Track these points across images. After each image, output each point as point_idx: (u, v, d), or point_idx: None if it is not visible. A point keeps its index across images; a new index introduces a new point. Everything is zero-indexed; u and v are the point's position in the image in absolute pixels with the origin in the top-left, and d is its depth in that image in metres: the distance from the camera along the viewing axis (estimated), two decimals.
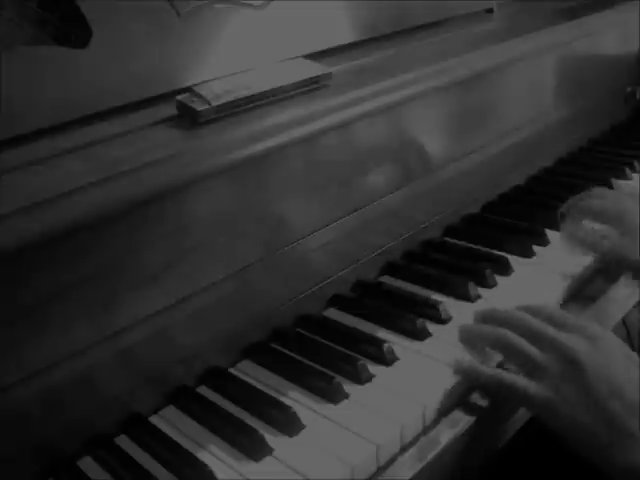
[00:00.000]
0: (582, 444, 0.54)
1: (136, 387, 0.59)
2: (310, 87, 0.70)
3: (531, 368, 0.57)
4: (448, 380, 0.60)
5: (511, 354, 0.59)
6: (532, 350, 0.57)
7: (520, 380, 0.56)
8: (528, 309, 0.62)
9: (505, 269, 0.77)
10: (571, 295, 0.75)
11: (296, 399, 0.60)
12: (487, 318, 0.64)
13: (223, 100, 0.64)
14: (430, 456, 0.55)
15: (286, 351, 0.67)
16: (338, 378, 0.61)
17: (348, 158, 0.73)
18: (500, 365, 0.62)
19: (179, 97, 0.64)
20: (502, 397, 0.59)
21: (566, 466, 0.79)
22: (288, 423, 0.57)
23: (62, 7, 0.61)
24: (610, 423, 0.51)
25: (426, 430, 0.58)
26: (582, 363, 0.54)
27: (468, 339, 0.63)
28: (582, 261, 0.77)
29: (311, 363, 0.65)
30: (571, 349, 0.55)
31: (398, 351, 0.65)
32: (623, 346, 0.57)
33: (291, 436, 0.56)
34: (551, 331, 0.58)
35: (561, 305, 0.73)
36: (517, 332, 0.59)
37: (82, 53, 0.61)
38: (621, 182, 0.98)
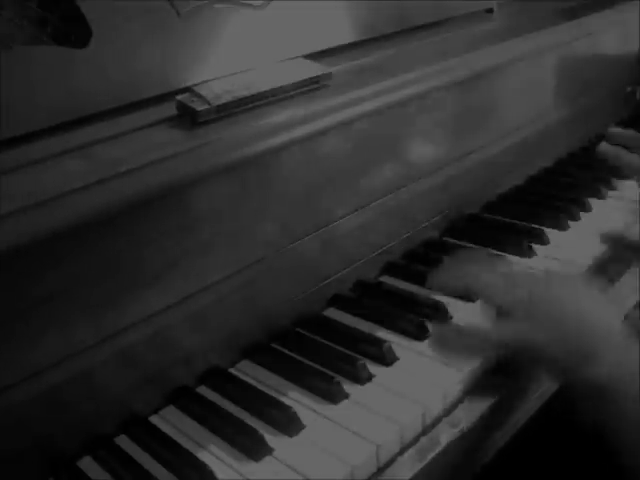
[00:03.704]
0: (548, 370, 0.59)
1: (136, 387, 0.59)
2: (310, 87, 0.70)
3: (496, 306, 0.60)
4: (448, 380, 0.60)
5: (480, 291, 0.62)
6: (498, 291, 0.60)
7: (486, 328, 0.60)
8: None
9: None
10: None
11: (296, 399, 0.60)
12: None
13: (223, 100, 0.64)
14: (430, 456, 0.55)
15: (286, 351, 0.67)
16: (338, 378, 0.61)
17: (348, 158, 0.73)
18: None
19: (179, 97, 0.64)
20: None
21: (566, 466, 0.79)
22: (288, 423, 0.57)
23: (62, 7, 0.61)
24: (566, 343, 0.55)
25: (426, 430, 0.58)
26: (537, 297, 0.58)
27: (439, 279, 0.65)
28: (583, 262, 0.77)
29: (311, 363, 0.65)
30: (523, 287, 0.59)
31: (398, 351, 0.65)
32: (574, 277, 0.62)
33: (291, 436, 0.56)
34: (511, 280, 0.61)
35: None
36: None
37: (82, 53, 0.61)
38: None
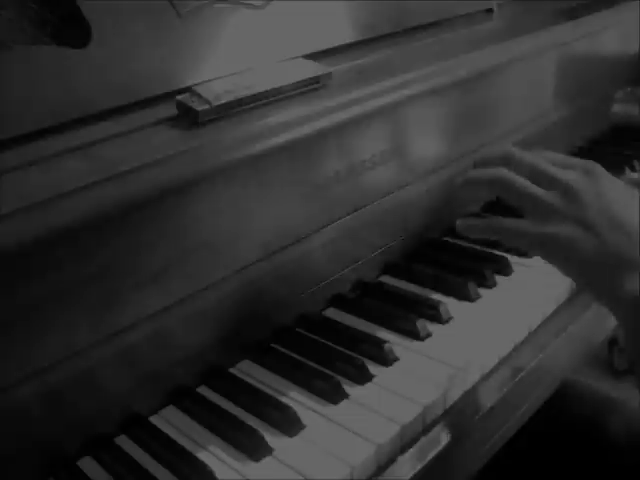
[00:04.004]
0: (588, 280, 0.54)
1: (136, 387, 0.59)
2: (310, 87, 0.70)
3: (535, 208, 0.55)
4: (448, 380, 0.60)
5: (513, 194, 0.57)
6: (534, 188, 0.56)
7: (519, 224, 0.56)
8: (511, 151, 0.60)
9: (505, 269, 0.77)
10: (577, 291, 0.74)
11: (296, 399, 0.60)
12: (485, 160, 0.61)
13: (223, 100, 0.64)
14: (430, 456, 0.55)
15: (286, 351, 0.67)
16: (338, 378, 0.61)
17: (348, 158, 0.73)
18: None
19: (179, 97, 0.64)
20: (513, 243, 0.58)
21: (566, 466, 0.79)
22: (288, 423, 0.57)
23: (62, 7, 0.61)
24: (611, 254, 0.51)
25: (426, 430, 0.58)
26: (582, 197, 0.54)
27: (466, 187, 0.61)
28: None
29: (311, 363, 0.65)
30: (571, 185, 0.55)
31: (398, 351, 0.65)
32: (619, 181, 0.56)
33: (291, 436, 0.56)
34: (552, 169, 0.56)
35: (567, 301, 0.72)
36: (517, 172, 0.57)
37: (82, 53, 0.61)
38: None
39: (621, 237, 0.52)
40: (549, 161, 0.58)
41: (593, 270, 0.53)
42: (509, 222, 0.56)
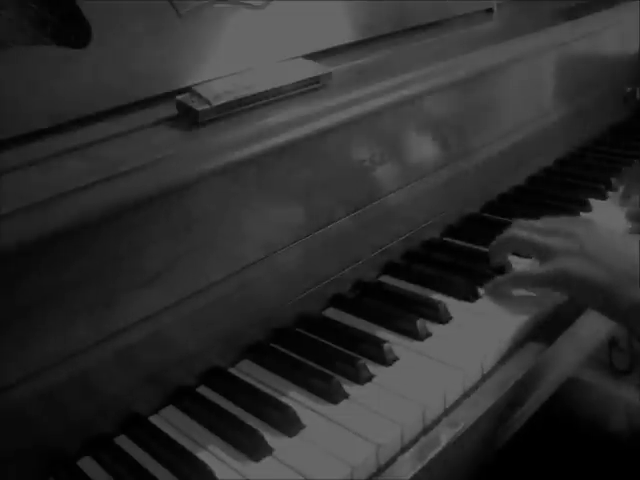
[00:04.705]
0: (594, 300, 0.65)
1: (136, 387, 0.59)
2: (310, 87, 0.70)
3: (542, 253, 0.68)
4: (448, 380, 0.60)
5: (523, 247, 0.72)
6: (541, 238, 0.69)
7: (535, 269, 0.69)
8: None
9: (505, 269, 0.77)
10: None
11: (296, 399, 0.60)
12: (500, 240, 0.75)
13: (223, 100, 0.64)
14: (430, 456, 0.55)
15: (286, 351, 0.67)
16: (338, 378, 0.61)
17: (348, 158, 0.73)
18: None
19: (179, 97, 0.64)
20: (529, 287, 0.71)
21: (566, 466, 0.79)
22: (288, 423, 0.57)
23: (62, 7, 0.61)
24: (608, 270, 0.62)
25: (426, 430, 0.58)
26: (579, 235, 0.67)
27: (492, 254, 0.75)
28: None
29: (311, 363, 0.65)
30: (570, 230, 0.68)
31: (398, 351, 0.65)
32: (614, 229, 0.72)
33: (291, 436, 0.56)
34: (554, 225, 0.71)
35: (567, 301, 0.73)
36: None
37: (82, 53, 0.61)
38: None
39: (622, 261, 0.63)
40: (550, 221, 0.72)
41: (604, 293, 0.63)
42: (528, 272, 0.71)
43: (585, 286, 0.64)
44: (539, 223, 0.73)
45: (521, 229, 0.73)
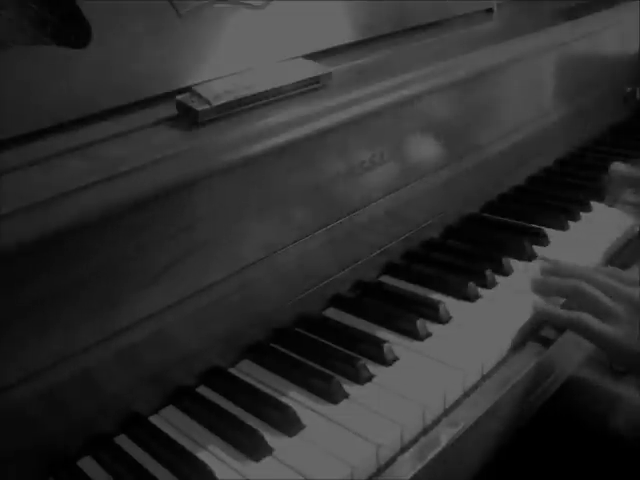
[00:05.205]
0: (627, 363, 0.68)
1: (136, 387, 0.59)
2: (310, 87, 0.70)
3: (604, 314, 0.67)
4: (448, 380, 0.60)
5: (587, 303, 0.69)
6: (607, 300, 0.68)
7: (595, 322, 0.66)
8: (584, 269, 0.74)
9: (505, 269, 0.77)
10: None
11: (296, 399, 0.60)
12: (555, 271, 0.74)
13: (223, 100, 0.64)
14: (430, 456, 0.55)
15: (286, 351, 0.67)
16: (338, 378, 0.61)
17: (348, 158, 0.73)
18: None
19: (179, 97, 0.64)
20: (577, 333, 0.68)
21: (566, 466, 0.79)
22: (288, 423, 0.57)
23: (62, 7, 0.61)
24: None
25: (426, 430, 0.58)
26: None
27: (542, 290, 0.73)
28: (586, 263, 0.77)
29: (311, 363, 0.65)
30: (637, 300, 0.67)
31: (398, 351, 0.65)
32: None
33: (291, 436, 0.56)
34: (619, 285, 0.69)
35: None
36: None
37: (82, 53, 0.61)
38: None
39: None
40: (617, 277, 0.71)
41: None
42: (591, 321, 0.68)
43: (632, 359, 0.65)
44: (604, 277, 0.71)
45: (588, 280, 0.71)
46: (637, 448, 0.77)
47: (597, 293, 0.68)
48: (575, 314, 0.68)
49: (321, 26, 0.79)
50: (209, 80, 0.67)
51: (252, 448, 0.55)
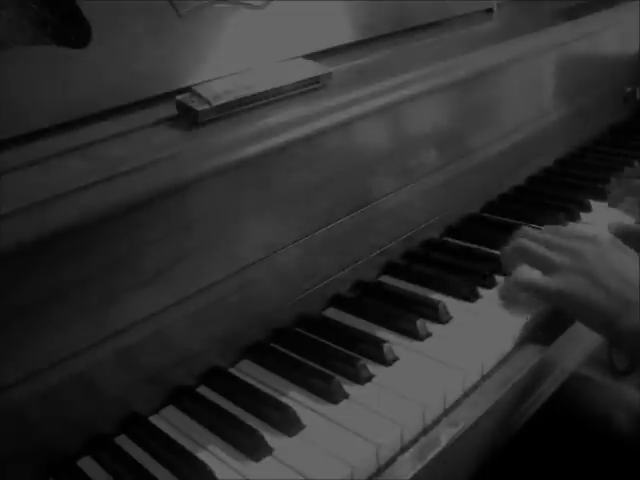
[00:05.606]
0: (593, 321, 0.65)
1: (136, 387, 0.59)
2: (310, 87, 0.70)
3: (549, 267, 0.68)
4: (448, 380, 0.60)
5: (532, 259, 0.70)
6: (549, 253, 0.69)
7: (539, 278, 0.68)
8: (528, 229, 0.76)
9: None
10: None
11: (296, 399, 0.60)
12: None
13: (223, 100, 0.64)
14: (430, 456, 0.55)
15: (286, 351, 0.67)
16: (338, 378, 0.61)
17: (348, 158, 0.73)
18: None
19: (179, 97, 0.64)
20: (528, 293, 0.70)
21: (566, 465, 0.79)
22: (288, 423, 0.57)
23: (62, 7, 0.61)
24: (611, 295, 0.63)
25: (426, 430, 0.58)
26: (586, 256, 0.67)
27: (505, 263, 0.75)
28: None
29: (311, 363, 0.65)
30: (578, 249, 0.68)
31: (398, 351, 0.65)
32: (616, 241, 0.70)
33: (291, 436, 0.56)
34: (562, 240, 0.71)
35: None
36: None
37: (82, 53, 0.61)
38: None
39: (625, 287, 0.63)
40: (560, 234, 0.72)
41: (602, 315, 0.63)
42: (534, 281, 0.69)
43: (585, 308, 0.64)
44: (548, 234, 0.72)
45: (530, 240, 0.72)
46: (637, 449, 0.77)
47: (540, 249, 0.70)
48: (516, 272, 0.70)
49: (321, 26, 0.79)
50: (209, 80, 0.67)
51: (252, 448, 0.55)
